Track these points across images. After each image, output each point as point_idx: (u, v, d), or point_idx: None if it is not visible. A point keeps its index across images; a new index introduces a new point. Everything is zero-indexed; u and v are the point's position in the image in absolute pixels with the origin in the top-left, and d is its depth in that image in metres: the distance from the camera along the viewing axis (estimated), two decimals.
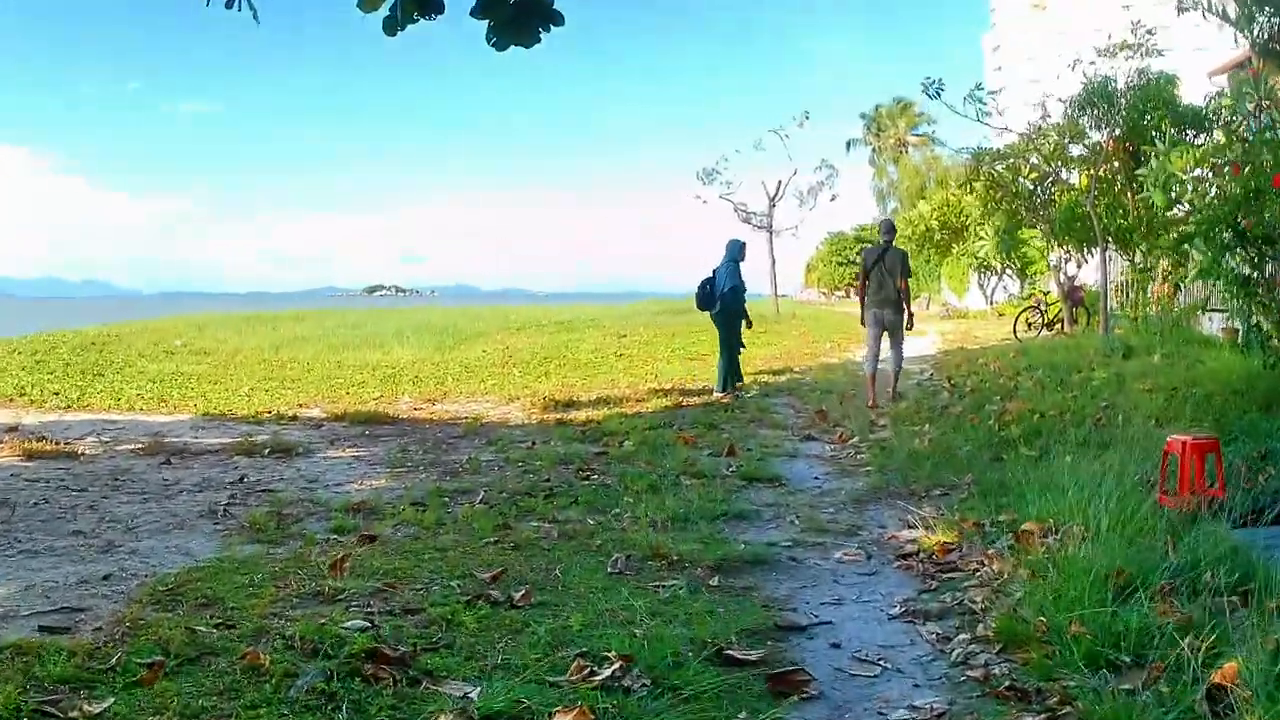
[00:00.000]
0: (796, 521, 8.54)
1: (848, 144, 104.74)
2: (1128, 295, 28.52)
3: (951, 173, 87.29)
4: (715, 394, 17.10)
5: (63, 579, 6.88)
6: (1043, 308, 30.63)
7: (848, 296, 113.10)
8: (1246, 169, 11.82)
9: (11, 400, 17.11)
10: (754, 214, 49.21)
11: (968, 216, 47.26)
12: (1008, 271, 47.69)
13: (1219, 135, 18.39)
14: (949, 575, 6.88)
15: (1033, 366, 18.43)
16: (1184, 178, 13.45)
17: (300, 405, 16.88)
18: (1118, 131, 22.40)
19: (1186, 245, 13.03)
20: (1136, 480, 8.12)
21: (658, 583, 6.68)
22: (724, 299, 17.50)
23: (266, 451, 12.12)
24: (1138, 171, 20.98)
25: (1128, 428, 11.04)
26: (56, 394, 17.66)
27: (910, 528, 8.09)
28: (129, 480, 10.58)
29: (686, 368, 22.45)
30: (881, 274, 16.09)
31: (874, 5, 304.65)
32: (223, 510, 9.06)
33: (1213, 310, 21.37)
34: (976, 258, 46.60)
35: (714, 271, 17.73)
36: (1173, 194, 13.79)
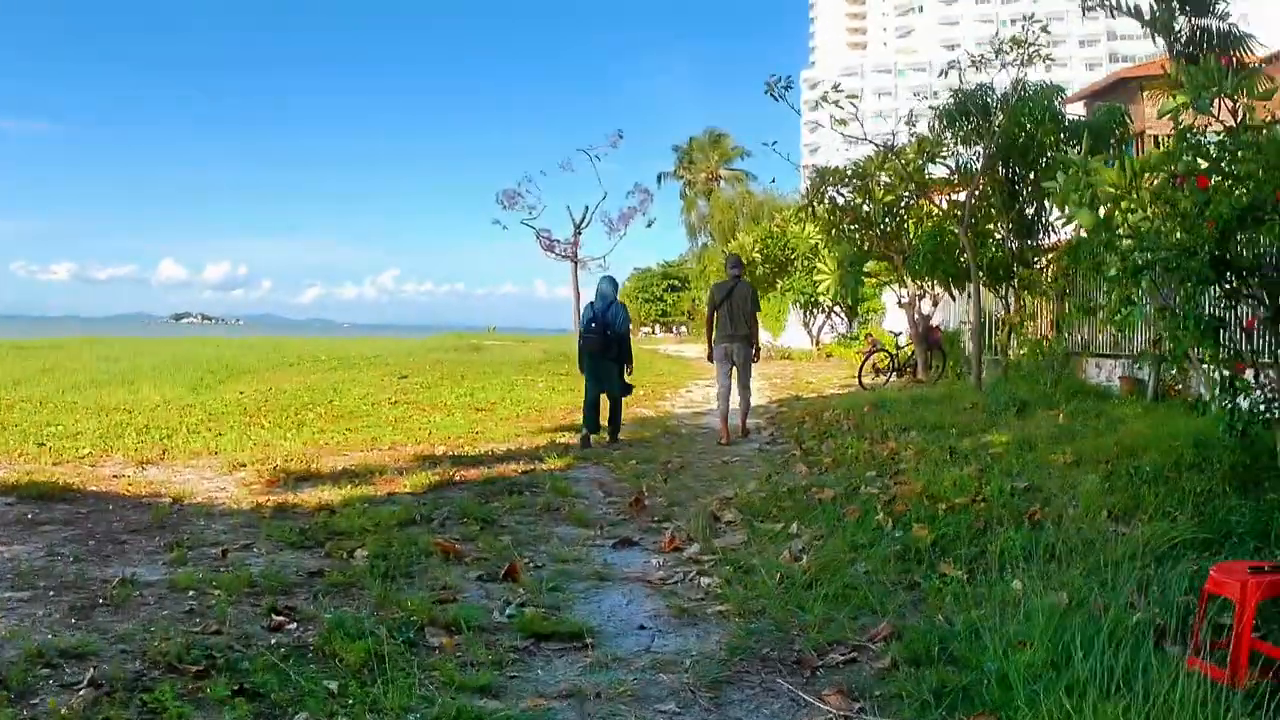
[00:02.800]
0: None
1: (658, 177, 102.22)
2: (990, 337, 25.71)
3: (765, 207, 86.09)
4: (588, 435, 15.91)
5: None
6: (894, 350, 26.88)
7: (653, 333, 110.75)
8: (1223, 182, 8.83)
9: None
10: (557, 241, 45.81)
11: (793, 250, 44.02)
12: (836, 309, 44.65)
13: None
14: None
15: (903, 426, 15.10)
16: (1114, 191, 10.14)
17: None
18: (992, 149, 19.19)
19: (1122, 278, 9.74)
20: (1134, 624, 5.49)
21: None
22: (622, 341, 16.47)
23: None
24: (1045, 184, 18.18)
25: (1074, 523, 8.09)
26: None
27: None
28: None
29: (469, 421, 18.60)
30: (731, 309, 16.36)
31: (690, 38, 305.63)
32: None
33: (1098, 355, 18.65)
34: (803, 294, 43.25)
35: (595, 310, 16.37)
36: (1100, 211, 10.51)
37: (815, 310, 45.68)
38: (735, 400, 16.55)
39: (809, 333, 46.47)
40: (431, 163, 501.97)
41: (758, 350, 17.03)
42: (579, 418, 17.09)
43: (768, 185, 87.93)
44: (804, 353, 43.50)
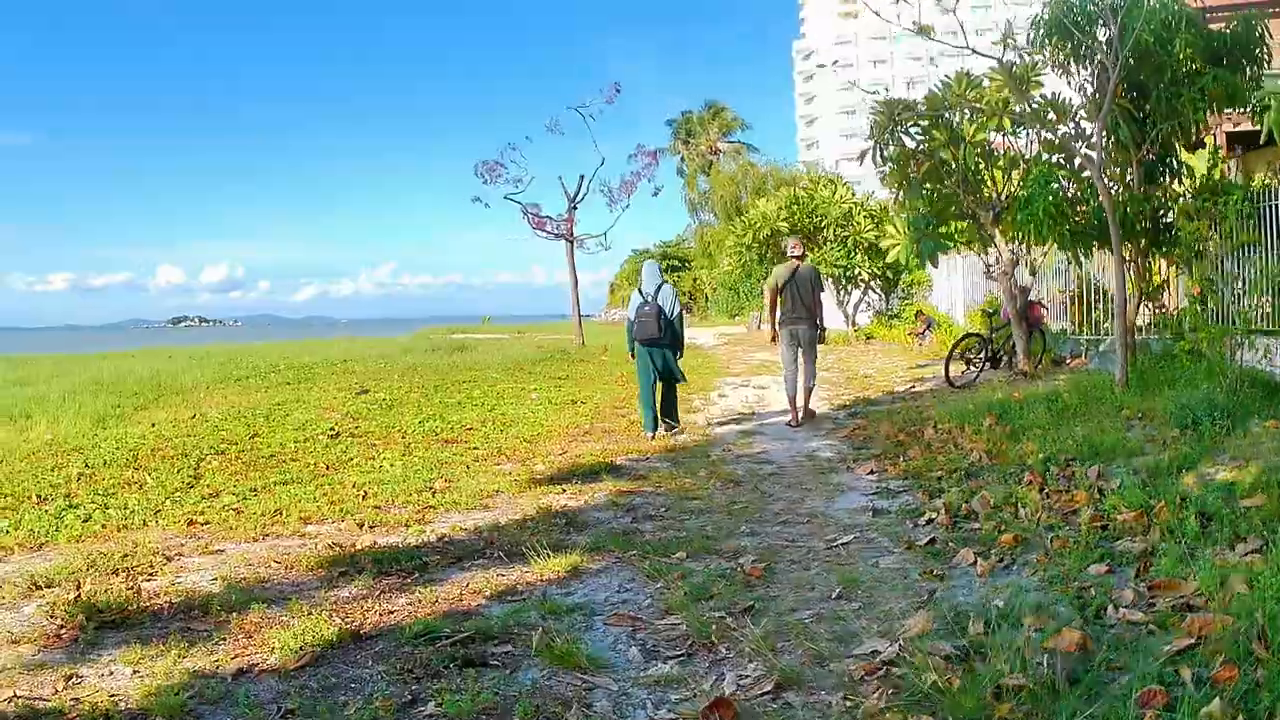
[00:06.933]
0: None
1: (654, 153, 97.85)
2: (1086, 312, 20.54)
3: (770, 178, 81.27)
4: (648, 435, 15.22)
5: None
6: (988, 332, 20.97)
7: None
8: None
9: None
10: (548, 218, 40.50)
11: (823, 216, 38.05)
12: (872, 284, 38.86)
13: None
14: None
15: (1068, 455, 10.25)
16: None
17: None
18: (1113, 68, 14.01)
19: None
20: None
21: None
22: (674, 329, 15.65)
23: None
24: (1265, 88, 13.54)
25: None
26: None
27: None
28: None
29: (429, 464, 13.09)
30: (795, 291, 16.24)
31: (674, 20, 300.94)
32: None
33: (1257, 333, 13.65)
34: (836, 266, 37.10)
35: (644, 295, 15.58)
36: None
37: (849, 286, 39.76)
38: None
39: (843, 312, 39.65)
40: (415, 155, 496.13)
41: (823, 331, 16.81)
42: (583, 450, 14.21)
43: (772, 158, 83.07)
44: (839, 335, 36.35)
